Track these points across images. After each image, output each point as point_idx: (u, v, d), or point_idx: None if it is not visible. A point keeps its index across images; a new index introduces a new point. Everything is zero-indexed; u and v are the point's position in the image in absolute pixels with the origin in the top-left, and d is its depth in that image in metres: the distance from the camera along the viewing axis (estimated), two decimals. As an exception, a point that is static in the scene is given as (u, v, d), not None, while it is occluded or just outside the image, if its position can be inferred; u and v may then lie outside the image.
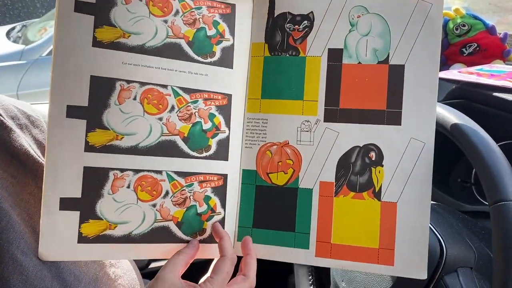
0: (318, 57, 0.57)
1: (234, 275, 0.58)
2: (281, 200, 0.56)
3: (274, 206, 0.57)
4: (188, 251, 0.53)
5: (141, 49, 0.53)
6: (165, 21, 0.54)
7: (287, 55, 0.58)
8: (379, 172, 0.55)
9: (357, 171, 0.55)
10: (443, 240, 0.61)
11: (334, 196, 0.55)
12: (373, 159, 0.55)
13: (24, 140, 0.53)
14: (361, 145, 0.55)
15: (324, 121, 0.56)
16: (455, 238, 0.63)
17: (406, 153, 0.54)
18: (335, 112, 0.56)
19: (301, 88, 0.57)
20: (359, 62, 0.56)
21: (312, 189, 0.56)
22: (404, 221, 0.53)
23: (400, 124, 0.54)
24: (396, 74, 0.55)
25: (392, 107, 0.55)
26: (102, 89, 0.51)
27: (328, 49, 0.57)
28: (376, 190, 0.54)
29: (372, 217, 0.54)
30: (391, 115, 0.55)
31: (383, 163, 0.55)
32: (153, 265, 1.09)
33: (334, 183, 0.55)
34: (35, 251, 0.49)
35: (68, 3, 0.51)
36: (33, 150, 0.53)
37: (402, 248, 0.53)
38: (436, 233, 0.63)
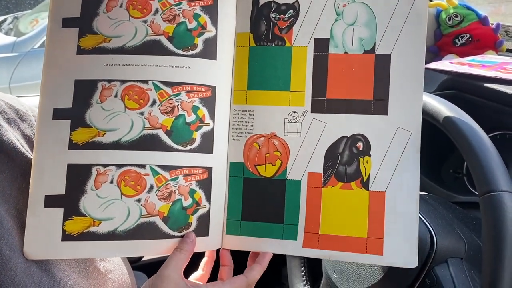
0: (304, 47, 0.56)
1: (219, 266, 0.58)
2: (269, 192, 0.56)
3: (262, 198, 0.56)
4: (187, 248, 0.52)
5: (121, 50, 0.54)
6: (145, 21, 0.55)
7: (273, 45, 0.57)
8: (367, 162, 0.54)
9: (345, 161, 0.55)
10: (433, 231, 0.61)
11: (322, 187, 0.55)
12: (361, 149, 0.55)
13: (12, 135, 0.52)
14: (348, 135, 0.55)
15: (311, 111, 0.56)
16: (446, 229, 0.63)
17: (393, 142, 0.54)
18: (322, 103, 0.55)
19: (288, 78, 0.56)
20: (346, 52, 0.55)
21: (300, 180, 0.56)
22: (392, 210, 0.53)
23: (387, 114, 0.54)
24: (382, 64, 0.54)
25: (379, 97, 0.54)
26: (85, 90, 0.53)
27: (314, 38, 0.56)
28: (364, 180, 0.54)
29: (360, 206, 0.54)
30: (377, 105, 0.54)
31: (370, 153, 0.54)
32: (145, 258, 1.09)
33: (322, 174, 0.55)
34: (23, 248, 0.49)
35: (57, 21, 0.54)
36: (21, 145, 0.53)
37: (391, 237, 0.53)
38: (427, 224, 0.63)
